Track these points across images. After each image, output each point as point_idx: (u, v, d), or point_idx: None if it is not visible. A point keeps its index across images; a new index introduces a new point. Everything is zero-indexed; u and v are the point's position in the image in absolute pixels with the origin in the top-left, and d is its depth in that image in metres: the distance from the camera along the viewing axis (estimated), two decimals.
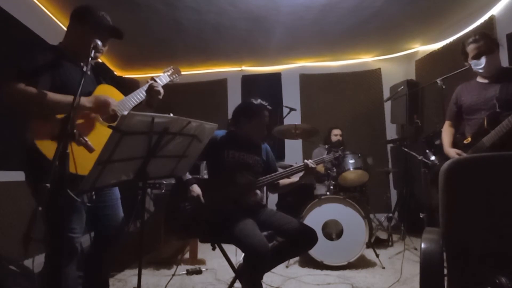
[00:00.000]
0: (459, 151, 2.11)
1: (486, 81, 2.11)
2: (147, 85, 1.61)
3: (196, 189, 1.82)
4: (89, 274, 1.55)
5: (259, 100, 2.04)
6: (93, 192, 1.44)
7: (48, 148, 1.23)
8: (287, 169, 1.97)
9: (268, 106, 2.04)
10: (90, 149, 1.29)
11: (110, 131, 1.06)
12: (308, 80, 5.07)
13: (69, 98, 1.26)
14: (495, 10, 3.30)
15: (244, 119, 2.00)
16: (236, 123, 2.04)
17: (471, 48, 2.09)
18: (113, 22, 1.57)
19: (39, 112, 1.28)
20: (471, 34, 2.14)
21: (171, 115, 1.18)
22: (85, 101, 1.34)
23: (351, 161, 3.10)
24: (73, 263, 1.37)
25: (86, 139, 1.28)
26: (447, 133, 2.29)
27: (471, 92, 2.15)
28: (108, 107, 1.41)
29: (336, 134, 3.89)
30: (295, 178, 2.06)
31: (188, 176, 1.85)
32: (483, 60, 2.03)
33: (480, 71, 2.08)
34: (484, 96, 2.06)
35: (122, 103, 1.52)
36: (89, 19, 1.48)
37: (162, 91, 1.64)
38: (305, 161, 1.96)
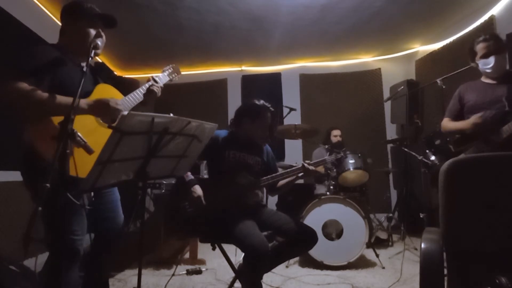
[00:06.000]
0: (478, 116, 1.98)
1: (493, 81, 2.08)
2: (146, 85, 1.60)
3: (197, 190, 1.82)
4: (89, 275, 1.55)
5: (262, 101, 2.03)
6: (92, 194, 1.43)
7: (46, 149, 1.22)
8: (287, 170, 1.96)
9: (271, 108, 2.03)
10: (89, 151, 1.29)
11: (110, 131, 1.06)
12: (308, 80, 5.07)
13: (69, 100, 1.23)
14: (495, 10, 3.30)
15: (247, 120, 2.00)
16: (238, 123, 2.04)
17: (480, 47, 2.05)
18: None
19: (38, 112, 1.27)
20: (481, 34, 2.09)
21: (171, 115, 1.18)
22: (84, 104, 1.31)
23: (351, 161, 3.10)
24: (75, 266, 1.36)
25: (85, 140, 1.27)
26: (452, 122, 2.21)
27: (476, 91, 2.12)
28: (109, 109, 1.35)
29: (335, 135, 3.88)
30: (292, 177, 2.05)
31: (190, 176, 1.85)
32: (491, 60, 2.01)
33: (488, 71, 2.05)
34: (490, 96, 2.02)
35: (122, 103, 1.51)
36: (79, 13, 1.46)
37: (160, 92, 1.64)
38: (303, 162, 1.95)
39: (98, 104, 1.34)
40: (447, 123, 2.25)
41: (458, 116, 2.20)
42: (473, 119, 2.01)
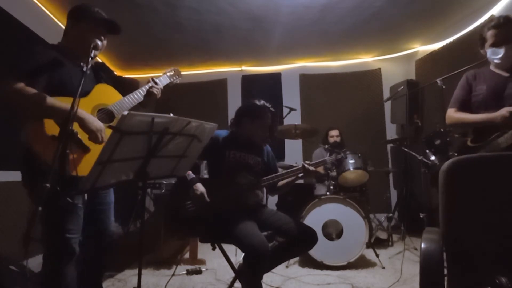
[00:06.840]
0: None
1: (505, 73, 1.85)
2: (146, 87, 1.62)
3: (200, 187, 1.82)
4: (81, 276, 1.54)
5: (262, 102, 2.03)
6: (86, 195, 1.41)
7: (43, 149, 1.22)
8: (288, 170, 1.96)
9: (271, 108, 2.03)
10: (84, 148, 1.29)
11: (109, 131, 1.06)
12: (308, 80, 5.06)
13: (66, 105, 1.21)
14: (495, 10, 3.30)
15: (247, 120, 2.00)
16: (238, 123, 2.04)
17: (491, 34, 1.82)
18: None
19: (36, 113, 1.27)
20: (494, 18, 1.84)
21: (171, 115, 1.18)
22: (83, 115, 1.29)
23: (351, 161, 3.10)
24: (71, 264, 1.36)
25: (80, 138, 1.27)
26: (461, 113, 1.93)
27: (486, 83, 1.88)
28: (96, 136, 1.31)
29: (332, 136, 3.88)
30: (292, 177, 2.05)
31: (192, 175, 1.85)
32: (502, 50, 1.79)
33: (496, 61, 1.84)
34: (504, 91, 1.81)
35: (120, 104, 1.52)
36: (85, 16, 1.48)
37: (159, 94, 1.65)
38: (303, 163, 1.94)
39: (93, 126, 1.31)
40: (454, 114, 1.98)
41: (466, 106, 1.95)
42: (505, 110, 1.73)
